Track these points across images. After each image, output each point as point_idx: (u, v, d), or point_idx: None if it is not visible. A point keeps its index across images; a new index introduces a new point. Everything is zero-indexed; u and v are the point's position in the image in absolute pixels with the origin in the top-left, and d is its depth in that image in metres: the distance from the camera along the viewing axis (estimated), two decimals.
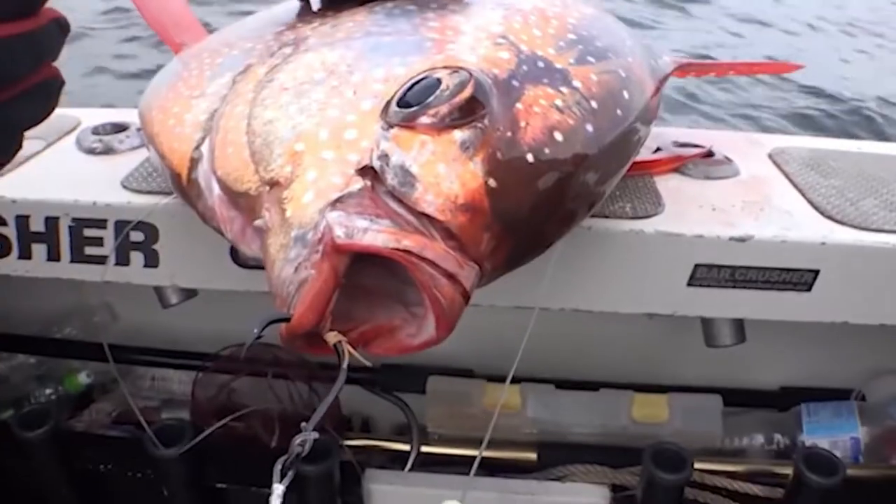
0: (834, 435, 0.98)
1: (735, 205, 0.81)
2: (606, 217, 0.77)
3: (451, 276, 0.51)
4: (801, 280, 0.77)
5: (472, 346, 1.05)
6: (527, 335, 0.70)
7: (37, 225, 0.83)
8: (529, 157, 0.57)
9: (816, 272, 0.77)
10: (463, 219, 0.53)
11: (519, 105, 0.59)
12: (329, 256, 0.50)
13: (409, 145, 0.55)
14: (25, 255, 0.83)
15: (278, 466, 0.50)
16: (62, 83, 0.51)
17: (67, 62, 0.50)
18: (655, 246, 0.76)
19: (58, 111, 1.17)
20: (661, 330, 1.00)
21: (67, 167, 0.91)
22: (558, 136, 0.59)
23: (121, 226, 0.81)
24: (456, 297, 0.51)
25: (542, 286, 0.73)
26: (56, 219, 0.82)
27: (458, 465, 1.01)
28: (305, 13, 0.77)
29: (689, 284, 0.78)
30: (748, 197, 0.83)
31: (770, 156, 0.95)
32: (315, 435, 0.51)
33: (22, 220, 0.82)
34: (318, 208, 0.53)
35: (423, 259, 0.50)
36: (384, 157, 0.55)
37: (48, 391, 1.11)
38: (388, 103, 0.57)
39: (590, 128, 0.61)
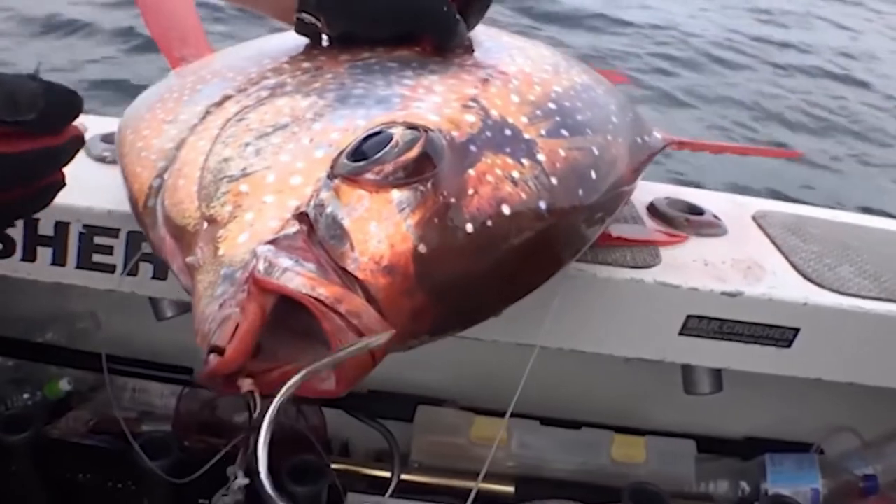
0: (796, 485, 1.03)
1: (725, 262, 0.86)
2: (609, 265, 0.82)
3: (360, 334, 0.48)
4: (782, 336, 0.82)
5: (462, 379, 1.08)
6: (527, 371, 0.73)
7: (45, 229, 0.83)
8: (469, 227, 0.55)
9: (797, 330, 0.82)
10: (384, 281, 0.51)
11: (471, 171, 0.57)
12: (255, 295, 0.49)
13: (346, 198, 0.54)
14: (29, 257, 0.84)
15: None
16: (64, 185, 0.59)
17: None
18: (653, 295, 0.81)
19: None
20: (643, 375, 1.04)
21: (78, 174, 0.91)
22: (505, 209, 0.57)
23: (133, 236, 0.82)
24: (362, 354, 0.49)
25: (544, 325, 0.77)
26: (67, 224, 0.83)
27: (437, 494, 1.03)
28: (297, 53, 0.78)
29: (681, 333, 0.82)
30: (736, 255, 0.88)
31: (754, 218, 1.00)
32: (246, 481, 0.51)
33: (30, 223, 0.83)
34: (251, 248, 0.52)
35: (336, 311, 0.48)
36: (320, 206, 0.54)
37: (25, 395, 1.09)
38: (340, 154, 0.56)
39: (542, 204, 0.59)
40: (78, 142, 0.56)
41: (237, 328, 0.47)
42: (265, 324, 0.49)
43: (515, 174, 0.59)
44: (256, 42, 0.85)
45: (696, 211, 0.96)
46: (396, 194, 0.53)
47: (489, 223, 0.56)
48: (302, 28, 0.74)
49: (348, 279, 0.51)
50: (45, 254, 0.84)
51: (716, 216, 0.96)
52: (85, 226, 0.83)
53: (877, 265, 0.91)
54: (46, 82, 0.52)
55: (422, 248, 0.53)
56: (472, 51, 0.75)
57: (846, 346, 0.84)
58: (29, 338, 1.12)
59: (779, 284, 0.84)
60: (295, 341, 0.52)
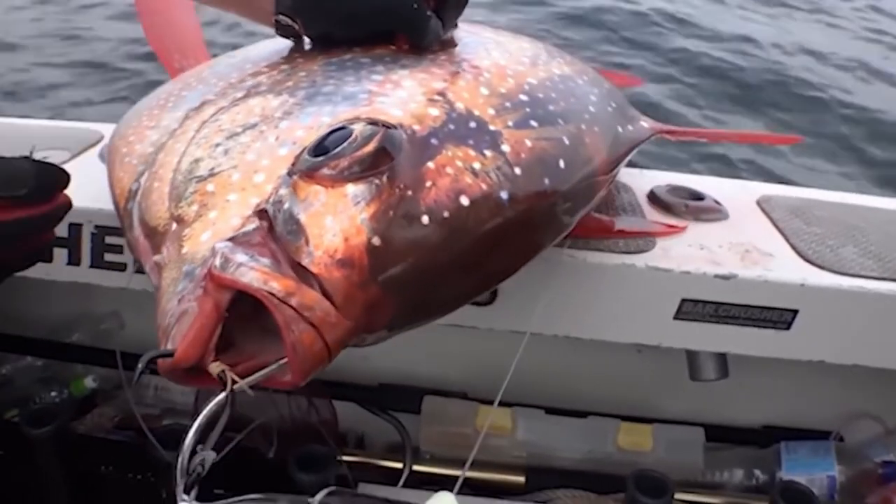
0: (811, 473, 1.01)
1: (722, 246, 0.86)
2: (600, 251, 0.82)
3: (314, 326, 0.49)
4: (780, 318, 0.82)
5: (467, 369, 1.09)
6: (516, 359, 0.74)
7: (60, 230, 0.86)
8: (425, 219, 0.55)
9: (795, 312, 0.81)
10: (338, 274, 0.52)
11: (430, 164, 0.57)
12: (210, 290, 0.50)
13: (303, 194, 0.54)
14: (46, 258, 0.88)
15: (180, 487, 0.51)
16: (54, 240, 0.67)
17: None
18: (645, 280, 0.81)
19: (80, 125, 1.23)
20: (649, 362, 1.04)
21: (91, 178, 0.95)
22: (464, 201, 0.57)
23: None
24: (316, 346, 0.50)
25: (535, 313, 0.77)
26: (80, 225, 0.87)
27: (449, 485, 1.04)
28: (279, 56, 0.79)
29: (676, 318, 0.82)
30: (735, 239, 0.88)
31: (758, 202, 1.00)
32: (213, 455, 0.53)
33: None
34: (211, 246, 0.53)
35: (287, 304, 0.49)
36: (278, 202, 0.55)
37: (53, 393, 1.13)
38: (302, 151, 0.56)
39: (504, 195, 0.59)
40: (65, 207, 0.64)
41: (193, 323, 0.49)
42: (224, 319, 0.50)
43: (476, 165, 0.59)
44: (244, 49, 0.88)
45: (697, 197, 0.96)
46: (351, 188, 0.54)
47: (446, 214, 0.56)
48: (281, 30, 0.76)
49: (303, 274, 0.51)
50: (60, 254, 0.88)
51: (717, 202, 0.96)
52: (96, 226, 0.87)
53: (882, 245, 0.89)
54: (38, 163, 0.61)
55: (376, 241, 0.53)
56: (449, 46, 0.76)
57: (848, 327, 0.83)
58: (56, 338, 1.16)
59: (776, 266, 0.83)
60: (265, 337, 0.52)
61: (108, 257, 0.87)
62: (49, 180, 0.62)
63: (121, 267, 0.87)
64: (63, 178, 0.63)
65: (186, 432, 0.50)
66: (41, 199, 0.61)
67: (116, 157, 0.73)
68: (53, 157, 1.01)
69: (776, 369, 0.94)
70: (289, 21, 0.74)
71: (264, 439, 1.05)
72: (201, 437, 0.53)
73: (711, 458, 1.05)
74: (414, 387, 1.11)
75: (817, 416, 1.11)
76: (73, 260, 0.88)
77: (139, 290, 0.87)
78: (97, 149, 1.03)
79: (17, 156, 0.60)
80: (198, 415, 0.50)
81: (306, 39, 0.79)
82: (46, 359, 1.16)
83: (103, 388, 1.16)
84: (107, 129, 1.09)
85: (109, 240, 0.87)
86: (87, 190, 0.91)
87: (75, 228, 0.87)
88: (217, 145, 0.62)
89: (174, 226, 0.58)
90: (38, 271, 0.89)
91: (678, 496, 0.93)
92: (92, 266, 0.88)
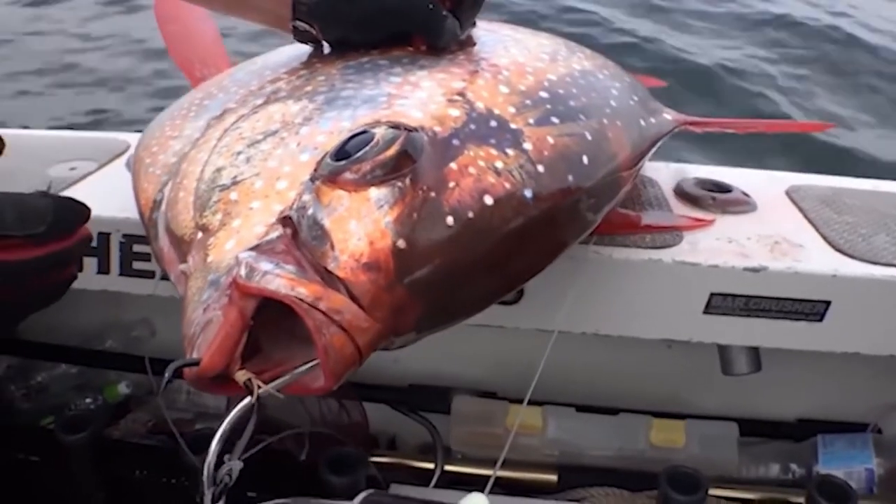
0: (849, 466, 1.00)
1: (751, 237, 0.85)
2: (627, 246, 0.81)
3: (344, 329, 0.50)
4: (812, 310, 0.80)
5: (496, 368, 1.09)
6: (544, 357, 0.73)
7: None
8: (449, 220, 0.55)
9: (828, 303, 0.80)
10: (364, 278, 0.52)
11: (453, 165, 0.57)
12: (235, 299, 0.50)
13: (326, 199, 0.55)
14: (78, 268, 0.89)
15: (207, 497, 0.51)
16: (74, 279, 0.65)
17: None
18: (673, 275, 0.80)
19: (108, 135, 1.25)
20: (679, 357, 1.03)
21: (118, 187, 0.97)
22: (487, 200, 0.57)
23: None
24: (347, 349, 0.50)
25: (562, 310, 0.77)
26: (108, 234, 0.88)
27: (480, 484, 1.03)
28: (298, 61, 0.79)
29: (706, 312, 0.81)
30: (763, 231, 0.87)
31: (787, 193, 0.98)
32: (240, 465, 0.53)
33: None
34: (236, 254, 0.53)
35: (316, 309, 0.49)
36: (302, 208, 0.55)
37: (87, 400, 1.15)
38: (324, 156, 0.57)
39: (528, 193, 0.59)
40: (85, 242, 0.63)
41: (218, 331, 0.49)
42: (250, 327, 0.50)
43: (499, 164, 0.59)
44: (264, 56, 0.88)
45: (724, 189, 0.95)
46: (374, 192, 0.54)
47: (471, 215, 0.56)
48: (299, 36, 0.77)
49: (330, 279, 0.52)
50: (90, 263, 0.89)
51: (745, 193, 0.95)
52: (124, 235, 0.88)
53: None
54: (56, 198, 0.60)
55: (401, 244, 0.53)
56: (467, 45, 0.76)
57: (883, 317, 0.81)
58: (89, 346, 1.18)
59: (807, 258, 0.82)
60: (294, 344, 0.53)
61: (137, 265, 0.88)
62: (67, 216, 0.61)
63: (149, 275, 0.88)
64: (84, 213, 0.62)
65: (212, 441, 0.51)
66: (60, 235, 0.60)
67: (141, 167, 0.74)
68: (81, 168, 1.03)
69: (810, 362, 0.92)
70: (306, 27, 0.74)
71: (296, 442, 1.05)
72: (229, 445, 0.53)
73: (746, 452, 1.03)
74: (443, 387, 1.11)
75: (854, 408, 1.09)
76: (103, 269, 0.89)
77: (167, 296, 0.88)
78: (124, 158, 1.05)
79: (34, 191, 0.60)
80: (223, 423, 0.50)
81: (325, 44, 0.79)
82: (80, 366, 1.18)
83: (136, 394, 1.18)
84: (133, 139, 1.10)
85: (137, 248, 0.88)
86: (115, 199, 0.93)
87: (103, 238, 0.88)
88: (239, 153, 0.63)
89: (199, 235, 0.59)
90: None
91: (712, 492, 0.92)
92: (121, 274, 0.89)
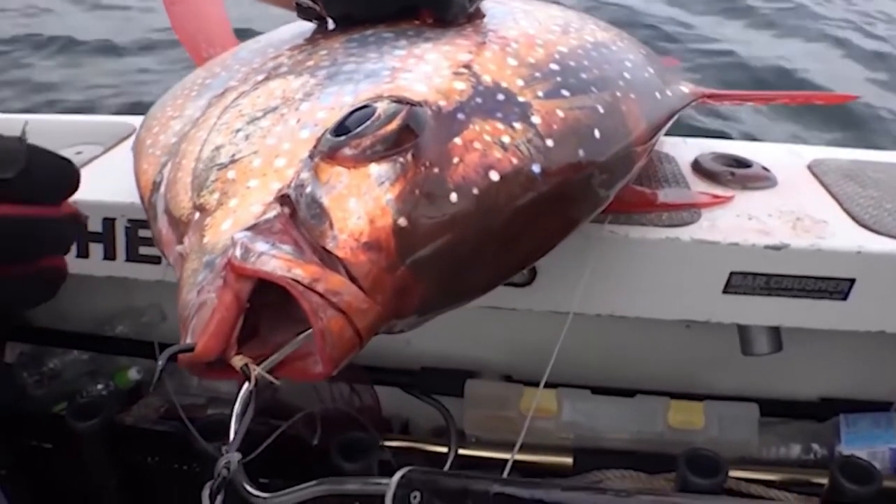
0: (872, 445, 0.97)
1: (772, 214, 0.82)
2: (643, 225, 0.79)
3: (343, 311, 0.48)
4: (836, 288, 0.78)
5: (510, 351, 1.07)
6: (560, 340, 0.71)
7: (94, 225, 0.87)
8: (453, 197, 0.53)
9: (852, 281, 0.77)
10: (364, 258, 0.50)
11: (457, 140, 0.55)
12: (230, 282, 0.48)
13: (325, 176, 0.53)
14: (83, 254, 0.88)
15: (206, 491, 0.50)
16: (65, 277, 0.52)
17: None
18: (691, 254, 0.78)
19: (113, 118, 1.23)
20: (698, 338, 1.00)
21: (124, 171, 0.95)
22: (493, 176, 0.54)
23: None
24: (346, 333, 0.48)
25: (576, 292, 0.75)
26: (113, 220, 0.87)
27: (495, 468, 1.02)
28: (301, 38, 0.77)
29: (725, 292, 0.79)
30: (785, 207, 0.84)
31: (809, 167, 0.95)
32: (238, 456, 0.51)
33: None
34: (232, 235, 0.51)
35: (313, 291, 0.47)
36: (300, 186, 0.53)
37: (99, 386, 1.15)
38: (324, 133, 0.55)
39: (536, 168, 0.57)
40: (75, 220, 0.52)
41: (213, 315, 0.47)
42: (247, 310, 0.48)
43: (506, 139, 0.56)
44: (268, 34, 0.86)
45: (744, 164, 0.92)
46: (375, 168, 0.52)
47: (476, 191, 0.53)
48: (303, 13, 0.74)
49: (329, 259, 0.50)
50: (96, 250, 0.88)
51: (765, 168, 0.92)
52: (129, 220, 0.86)
53: None
54: (32, 145, 0.48)
55: (402, 222, 0.51)
56: (476, 18, 0.73)
57: None
58: (100, 332, 1.17)
59: (830, 234, 0.79)
60: (295, 328, 0.50)
61: (143, 250, 0.87)
62: (48, 170, 0.49)
63: (156, 260, 0.87)
64: (68, 171, 0.50)
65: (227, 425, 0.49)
66: (37, 194, 0.48)
67: (142, 148, 0.72)
68: (87, 152, 1.02)
69: (833, 340, 0.90)
70: (309, 3, 0.72)
71: (307, 427, 1.04)
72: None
73: (766, 433, 1.01)
74: (457, 370, 1.09)
75: (877, 388, 1.06)
76: (109, 255, 0.88)
77: (175, 282, 0.87)
78: (129, 142, 1.03)
79: (10, 136, 0.48)
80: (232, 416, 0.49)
81: (329, 21, 0.77)
82: (92, 352, 1.17)
83: (147, 380, 1.17)
84: (139, 122, 1.09)
85: (143, 233, 0.86)
86: (121, 184, 0.92)
87: (109, 223, 0.87)
88: (238, 131, 0.61)
89: (196, 215, 0.57)
90: (75, 267, 0.90)
91: (733, 473, 0.90)
92: (128, 260, 0.88)
